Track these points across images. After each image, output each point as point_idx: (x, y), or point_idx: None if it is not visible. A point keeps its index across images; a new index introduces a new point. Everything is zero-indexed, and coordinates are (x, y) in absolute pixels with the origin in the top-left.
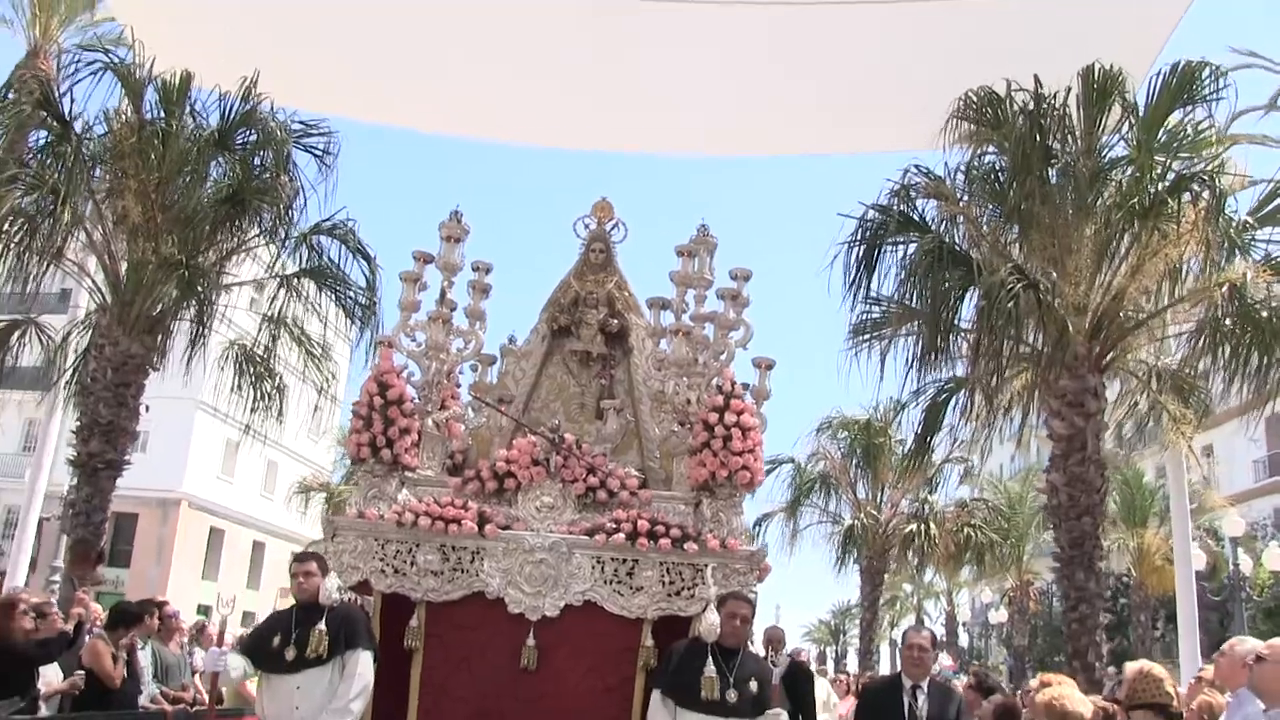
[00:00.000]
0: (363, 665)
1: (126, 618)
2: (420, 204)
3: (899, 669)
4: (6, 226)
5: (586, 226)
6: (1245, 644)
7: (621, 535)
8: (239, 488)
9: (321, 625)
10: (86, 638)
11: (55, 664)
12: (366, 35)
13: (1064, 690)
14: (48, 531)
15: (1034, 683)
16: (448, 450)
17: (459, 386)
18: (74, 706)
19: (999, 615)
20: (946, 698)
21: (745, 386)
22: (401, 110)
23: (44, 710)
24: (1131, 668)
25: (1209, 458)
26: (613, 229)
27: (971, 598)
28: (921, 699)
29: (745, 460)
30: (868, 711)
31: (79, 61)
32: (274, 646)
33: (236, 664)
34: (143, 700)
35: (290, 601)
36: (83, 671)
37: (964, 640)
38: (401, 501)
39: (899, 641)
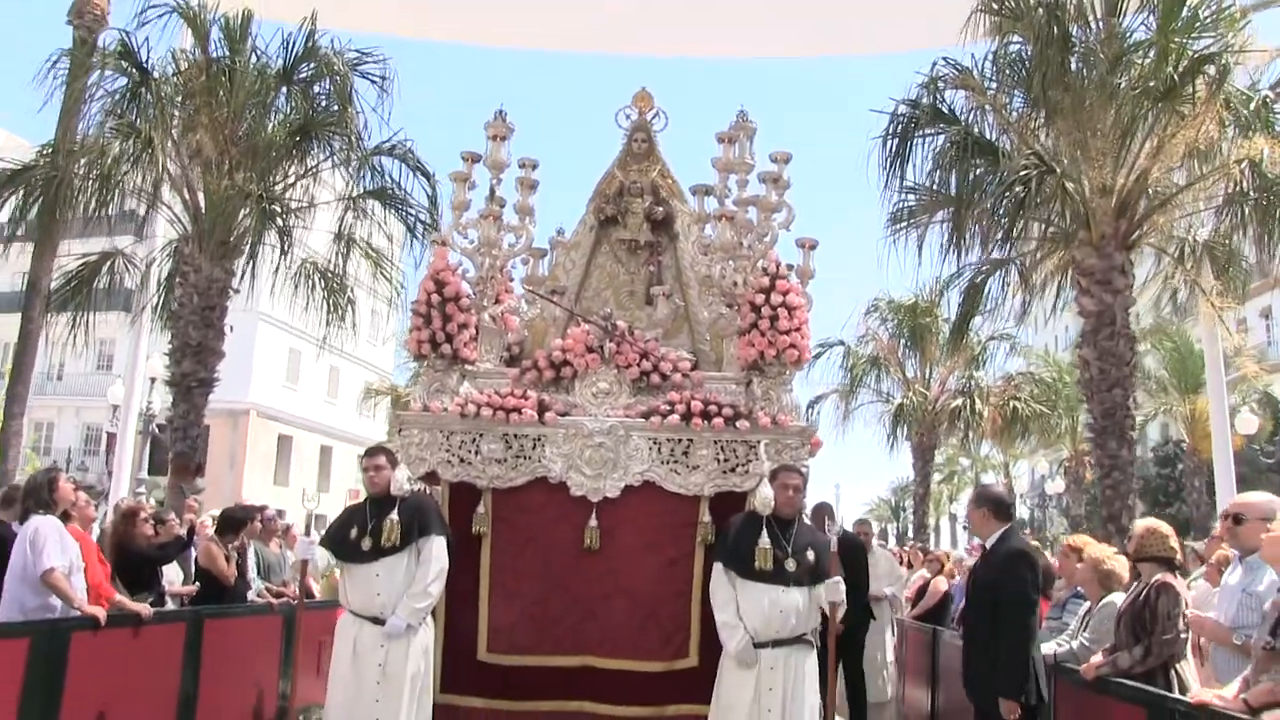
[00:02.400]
0: (437, 550)
1: (234, 523)
2: (470, 116)
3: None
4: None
5: (628, 117)
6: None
7: (676, 416)
8: (303, 395)
9: (394, 515)
10: (197, 541)
11: (175, 564)
12: None
13: (1105, 550)
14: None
15: (1065, 543)
16: (504, 343)
17: (512, 281)
18: (192, 603)
19: (1055, 485)
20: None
21: (790, 267)
22: (449, 24)
23: (170, 605)
24: (1140, 525)
25: (1268, 320)
26: (653, 119)
27: (1030, 469)
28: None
29: (793, 338)
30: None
31: (148, 6)
32: (352, 538)
33: (322, 555)
34: (250, 595)
35: (362, 498)
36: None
37: (1023, 511)
38: (463, 394)
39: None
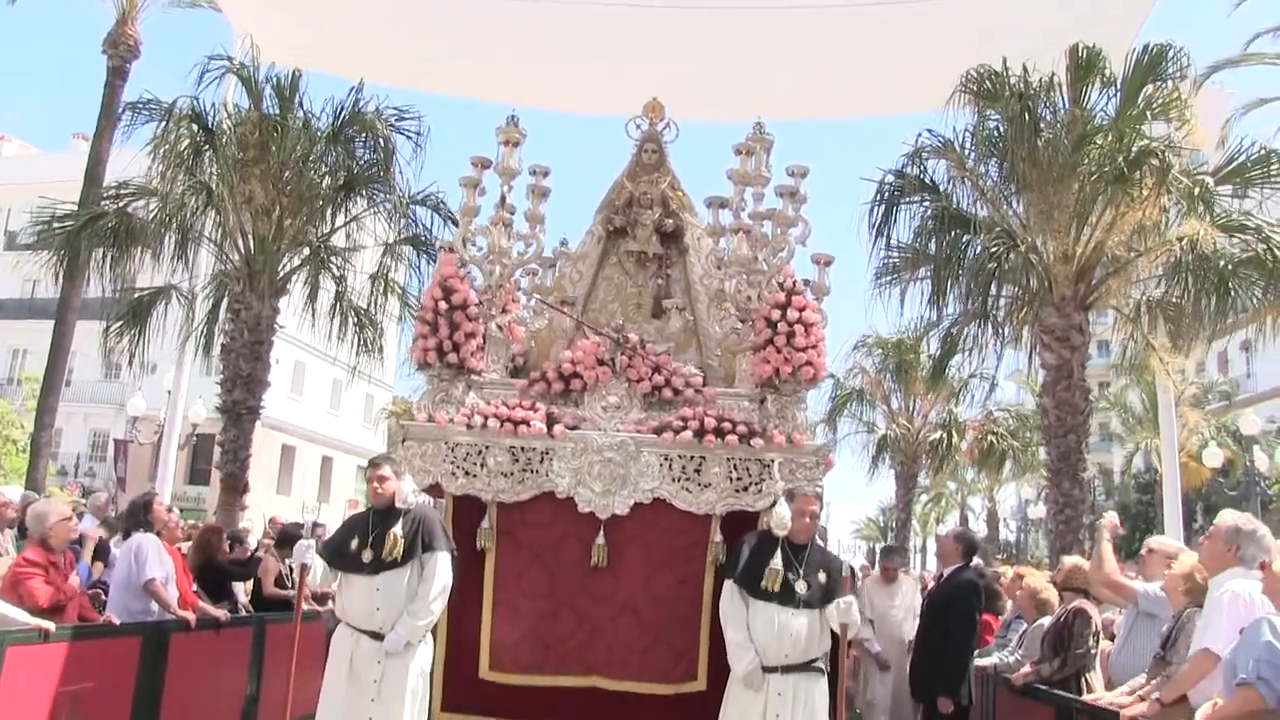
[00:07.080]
0: (441, 567)
1: (289, 539)
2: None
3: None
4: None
5: (639, 127)
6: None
7: (689, 432)
8: (307, 406)
9: (397, 529)
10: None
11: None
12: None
13: (1041, 580)
14: (134, 454)
15: (1008, 574)
16: (510, 353)
17: (519, 290)
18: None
19: (1037, 510)
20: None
21: (806, 283)
22: (477, 83)
23: (242, 613)
24: (1068, 561)
25: (1247, 352)
26: (664, 129)
27: (1017, 493)
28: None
29: (809, 355)
30: None
31: (208, 68)
32: (352, 549)
33: (318, 564)
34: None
35: (362, 508)
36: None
37: (1008, 535)
38: (470, 405)
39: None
